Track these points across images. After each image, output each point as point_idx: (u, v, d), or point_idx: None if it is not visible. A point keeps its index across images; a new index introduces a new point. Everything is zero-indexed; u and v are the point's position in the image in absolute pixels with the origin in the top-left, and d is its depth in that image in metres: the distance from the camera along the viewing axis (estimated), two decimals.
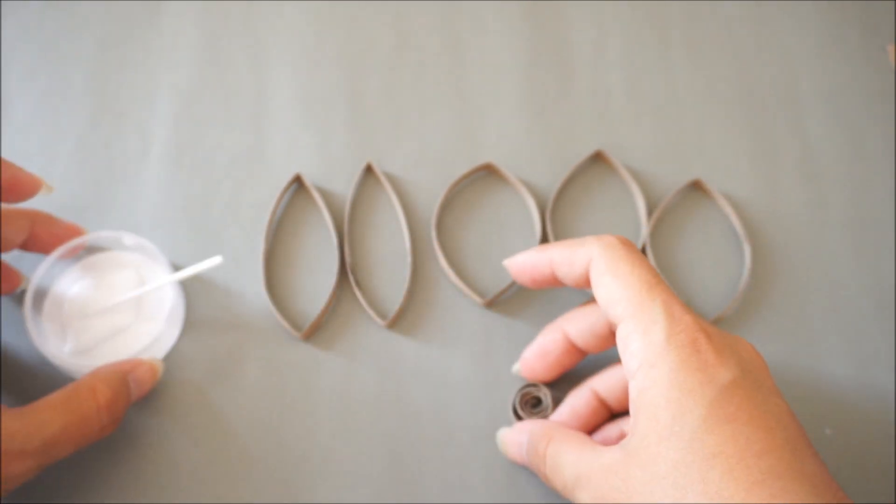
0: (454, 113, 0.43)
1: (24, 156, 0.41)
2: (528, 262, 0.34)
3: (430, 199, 0.40)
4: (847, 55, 0.45)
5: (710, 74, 0.44)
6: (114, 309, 0.36)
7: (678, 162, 0.42)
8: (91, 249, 0.38)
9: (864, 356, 0.37)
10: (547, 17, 0.46)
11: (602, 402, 0.33)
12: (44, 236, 0.36)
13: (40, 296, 0.36)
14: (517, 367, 0.35)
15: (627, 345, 0.29)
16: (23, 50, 0.44)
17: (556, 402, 0.34)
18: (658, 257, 0.39)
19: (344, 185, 0.41)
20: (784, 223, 0.40)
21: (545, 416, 0.34)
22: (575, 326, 0.33)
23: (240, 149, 0.42)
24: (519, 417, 0.35)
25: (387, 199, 0.40)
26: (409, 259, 0.38)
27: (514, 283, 0.37)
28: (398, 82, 0.44)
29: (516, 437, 0.33)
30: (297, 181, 0.41)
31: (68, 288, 0.37)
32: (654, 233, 0.39)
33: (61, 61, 0.44)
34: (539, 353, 0.34)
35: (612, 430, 0.33)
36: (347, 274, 0.38)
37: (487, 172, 0.41)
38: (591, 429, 0.34)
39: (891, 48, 0.45)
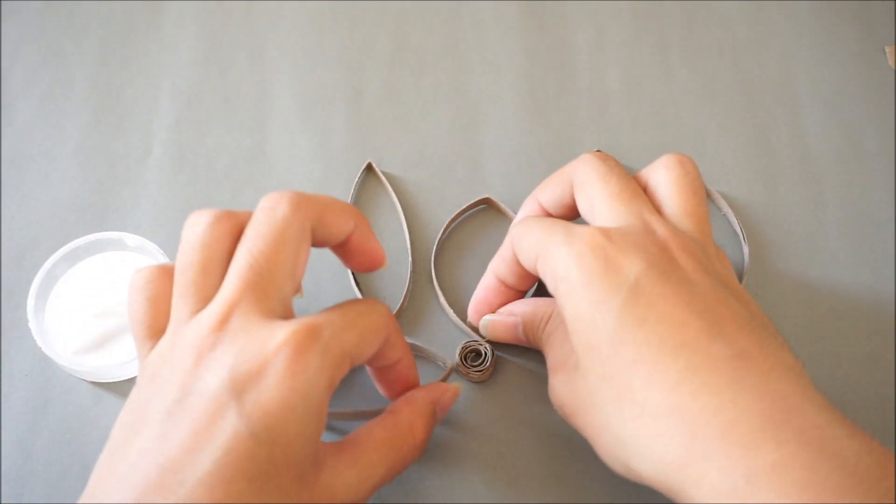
0: (454, 113, 0.43)
1: (25, 156, 0.41)
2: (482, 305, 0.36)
3: (430, 199, 0.41)
4: (845, 56, 0.45)
5: (709, 75, 0.44)
6: (116, 309, 0.36)
7: None
8: (93, 250, 0.38)
9: (863, 356, 0.37)
10: (547, 17, 0.46)
11: None
12: (355, 246, 0.31)
13: (43, 295, 0.37)
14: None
15: (544, 274, 0.30)
16: (24, 51, 0.45)
17: (495, 354, 0.36)
18: None
19: (344, 185, 0.41)
20: (783, 223, 0.40)
21: (485, 370, 0.35)
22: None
23: (240, 149, 0.42)
24: (465, 368, 0.36)
25: (387, 199, 0.41)
26: (409, 259, 0.38)
27: None
28: (398, 82, 0.44)
29: (507, 320, 0.35)
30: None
31: (71, 288, 0.37)
32: None
33: (63, 62, 0.44)
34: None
35: None
36: (348, 274, 0.38)
37: (486, 207, 0.41)
38: None
39: (889, 49, 0.45)
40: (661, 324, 0.26)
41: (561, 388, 0.30)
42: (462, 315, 0.37)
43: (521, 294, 0.35)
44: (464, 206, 0.40)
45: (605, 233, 0.29)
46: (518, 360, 0.37)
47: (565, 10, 0.46)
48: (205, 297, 0.27)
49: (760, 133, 0.43)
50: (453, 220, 0.39)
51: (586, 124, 0.43)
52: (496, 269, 0.35)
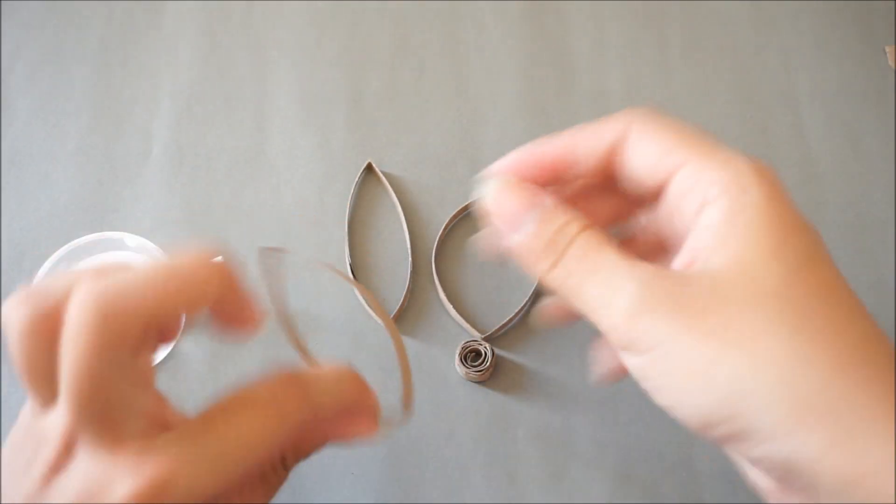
0: (454, 113, 0.43)
1: (25, 156, 0.41)
2: (531, 154, 0.27)
3: (430, 199, 0.41)
4: (846, 56, 0.45)
5: (710, 75, 0.44)
6: None
7: None
8: (93, 250, 0.38)
9: None
10: (547, 17, 0.46)
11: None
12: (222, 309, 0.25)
13: None
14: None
15: (698, 180, 0.23)
16: (24, 50, 0.45)
17: (495, 354, 0.36)
18: None
19: (344, 185, 0.41)
20: None
21: (485, 370, 0.35)
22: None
23: (240, 149, 0.42)
24: (465, 368, 0.35)
25: (387, 199, 0.41)
26: (409, 259, 0.38)
27: (513, 318, 0.37)
28: (398, 82, 0.44)
29: (518, 208, 0.25)
30: None
31: None
32: None
33: (63, 62, 0.44)
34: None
35: None
36: (348, 273, 0.38)
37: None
38: None
39: (889, 49, 0.45)
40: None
41: (679, 297, 0.22)
42: (463, 312, 0.37)
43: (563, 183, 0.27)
44: (465, 204, 0.40)
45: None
46: (518, 359, 0.37)
47: (565, 10, 0.46)
48: (46, 397, 0.23)
49: (760, 133, 0.43)
50: (455, 217, 0.39)
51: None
52: (572, 136, 0.27)
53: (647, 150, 0.25)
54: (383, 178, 0.41)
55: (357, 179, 0.41)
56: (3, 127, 0.42)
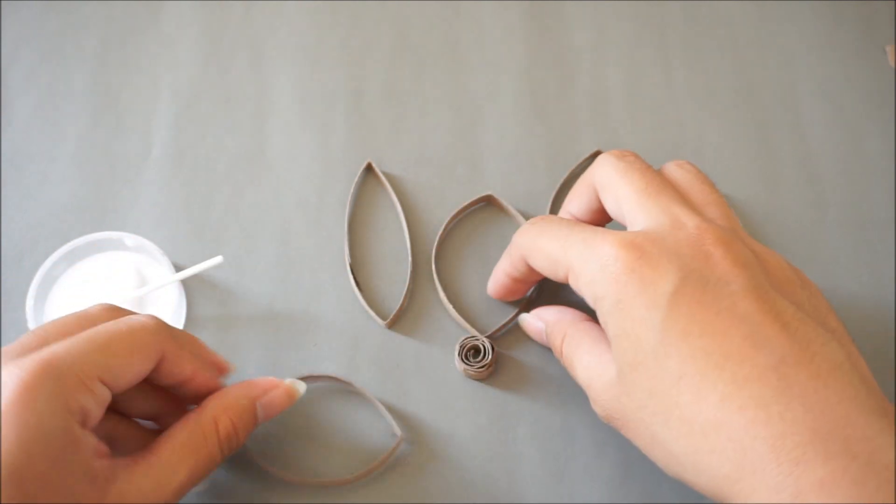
0: (454, 113, 0.43)
1: (25, 156, 0.41)
2: (495, 287, 0.37)
3: (430, 199, 0.41)
4: (846, 55, 0.45)
5: (710, 74, 0.44)
6: None
7: None
8: (92, 250, 0.38)
9: (862, 355, 0.37)
10: (547, 18, 0.46)
11: None
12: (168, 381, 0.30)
13: (42, 295, 0.37)
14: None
15: (577, 288, 0.30)
16: (24, 50, 0.45)
17: (496, 350, 0.36)
18: None
19: (344, 185, 0.41)
20: (783, 223, 0.40)
21: (486, 365, 0.35)
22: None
23: (240, 149, 0.42)
24: (465, 365, 0.35)
25: (387, 199, 0.41)
26: (409, 259, 0.38)
27: (513, 318, 0.37)
28: (398, 82, 0.44)
29: (535, 322, 0.35)
30: None
31: (70, 288, 0.37)
32: None
33: (62, 62, 0.44)
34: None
35: None
36: (347, 273, 0.38)
37: (486, 204, 0.41)
38: None
39: (890, 49, 0.45)
40: (704, 336, 0.26)
41: (606, 402, 0.29)
42: (463, 312, 0.37)
43: (535, 281, 0.36)
44: (465, 204, 0.39)
45: (635, 245, 0.28)
46: (518, 356, 0.37)
47: (565, 10, 0.46)
48: None
49: (761, 133, 0.43)
50: (454, 217, 0.39)
51: (586, 124, 0.43)
52: (506, 269, 0.35)
53: (538, 266, 0.33)
54: (383, 178, 0.40)
55: (357, 179, 0.41)
56: (3, 127, 0.42)
